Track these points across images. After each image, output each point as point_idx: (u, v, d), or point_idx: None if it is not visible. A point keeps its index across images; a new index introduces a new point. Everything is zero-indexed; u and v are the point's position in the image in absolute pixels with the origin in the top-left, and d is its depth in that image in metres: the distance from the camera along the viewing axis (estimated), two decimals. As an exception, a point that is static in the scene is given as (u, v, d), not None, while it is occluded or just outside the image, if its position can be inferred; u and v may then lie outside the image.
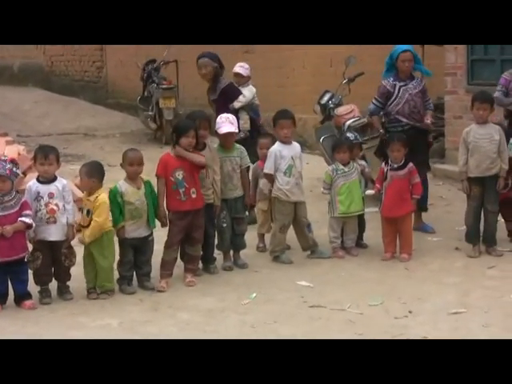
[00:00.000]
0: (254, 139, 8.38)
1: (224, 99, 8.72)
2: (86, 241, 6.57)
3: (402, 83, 8.35)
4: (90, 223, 6.55)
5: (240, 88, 9.08)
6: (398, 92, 8.32)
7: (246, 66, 9.79)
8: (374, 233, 7.80)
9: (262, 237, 7.97)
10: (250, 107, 9.04)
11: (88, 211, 6.58)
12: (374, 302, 6.32)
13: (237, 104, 8.74)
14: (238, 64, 9.89)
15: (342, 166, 7.63)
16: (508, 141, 7.54)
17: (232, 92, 8.83)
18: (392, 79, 8.37)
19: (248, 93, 9.08)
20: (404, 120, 8.29)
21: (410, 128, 8.25)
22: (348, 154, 7.65)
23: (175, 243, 6.94)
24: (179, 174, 6.82)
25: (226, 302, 6.48)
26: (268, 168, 7.49)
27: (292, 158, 7.47)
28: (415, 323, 5.83)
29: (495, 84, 9.09)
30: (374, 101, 8.48)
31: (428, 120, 8.39)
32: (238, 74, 9.57)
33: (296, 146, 7.62)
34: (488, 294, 6.41)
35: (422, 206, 8.21)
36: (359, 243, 7.87)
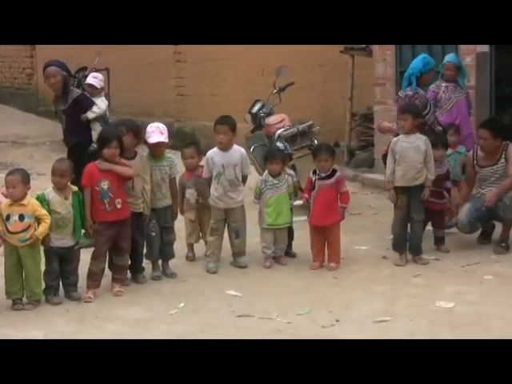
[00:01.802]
0: None
1: (76, 109, 8.52)
2: (37, 237, 6.50)
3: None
4: (27, 227, 6.47)
5: (93, 99, 8.94)
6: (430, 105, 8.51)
7: (100, 77, 9.72)
8: (302, 241, 7.83)
9: (191, 246, 7.96)
10: (103, 119, 8.93)
11: (21, 216, 6.49)
12: (302, 311, 6.34)
13: (91, 114, 8.58)
14: (92, 75, 9.81)
15: (271, 178, 7.62)
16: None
17: (85, 102, 8.65)
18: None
19: (102, 104, 8.97)
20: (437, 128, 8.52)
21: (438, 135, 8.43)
22: (280, 165, 7.64)
23: (102, 253, 6.88)
24: (104, 184, 6.76)
25: (153, 312, 6.44)
26: (204, 172, 7.60)
27: (223, 165, 7.48)
28: (342, 332, 5.86)
29: (423, 95, 9.25)
30: None
31: None
32: (91, 85, 9.45)
33: (235, 153, 7.57)
34: (413, 302, 6.49)
35: None
36: (288, 252, 7.90)
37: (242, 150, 7.69)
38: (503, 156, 7.78)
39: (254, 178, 8.47)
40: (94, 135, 8.36)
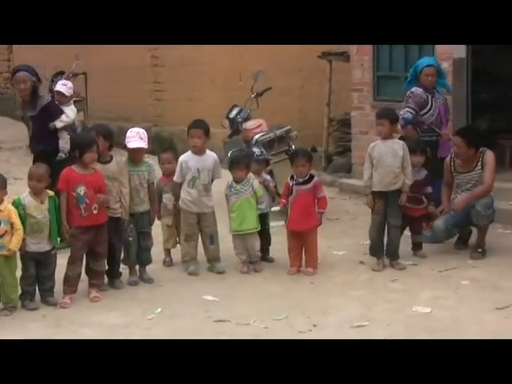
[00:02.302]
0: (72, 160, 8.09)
1: (44, 117, 8.42)
2: (14, 249, 6.47)
3: (430, 94, 8.56)
4: (4, 233, 6.43)
5: (62, 107, 8.85)
6: (431, 103, 8.51)
7: (70, 84, 9.66)
8: (280, 246, 7.83)
9: (168, 252, 7.94)
10: (70, 128, 8.87)
11: None
12: (279, 316, 6.34)
13: (59, 123, 8.47)
14: (61, 82, 9.76)
15: (235, 184, 7.59)
16: None
17: (54, 110, 8.54)
18: (423, 90, 8.55)
19: (71, 113, 8.91)
20: (438, 131, 8.53)
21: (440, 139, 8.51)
22: (245, 171, 7.59)
23: (78, 258, 6.84)
24: (81, 190, 6.72)
25: (130, 318, 6.42)
26: (175, 177, 7.57)
27: (198, 170, 7.48)
28: (319, 337, 5.84)
29: (400, 100, 9.29)
30: (409, 109, 8.49)
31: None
32: (60, 93, 9.40)
33: (208, 157, 7.60)
34: (390, 307, 6.51)
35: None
36: (265, 257, 7.90)
37: (214, 154, 7.71)
38: (480, 163, 7.81)
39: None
40: (62, 144, 8.31)
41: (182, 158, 7.57)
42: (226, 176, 7.77)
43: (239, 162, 7.66)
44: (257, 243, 7.64)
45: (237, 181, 7.59)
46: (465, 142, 7.79)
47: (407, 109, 8.49)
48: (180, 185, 7.58)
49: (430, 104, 8.52)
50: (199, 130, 7.53)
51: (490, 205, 7.77)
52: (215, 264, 7.67)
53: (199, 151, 7.54)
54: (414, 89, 8.56)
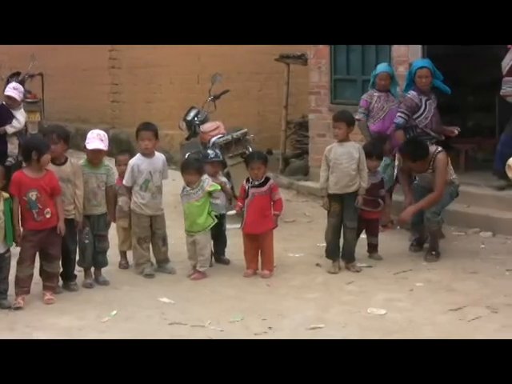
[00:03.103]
0: (20, 165, 7.86)
1: None
2: None
3: (425, 97, 8.60)
4: None
5: (13, 112, 8.74)
6: (425, 106, 8.54)
7: (21, 88, 9.55)
8: (236, 249, 7.84)
9: (123, 254, 7.90)
10: (19, 132, 8.78)
11: None
12: (235, 318, 6.34)
13: (10, 129, 8.40)
14: (12, 86, 9.60)
15: (187, 187, 7.57)
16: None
17: (5, 114, 8.48)
18: (416, 93, 8.58)
19: (21, 118, 8.82)
20: (432, 133, 8.53)
21: (436, 142, 8.46)
22: (195, 175, 7.55)
23: (27, 259, 6.74)
24: (32, 195, 6.63)
25: (85, 320, 6.37)
26: (125, 181, 7.54)
27: (150, 172, 7.49)
28: (274, 339, 5.86)
29: (357, 103, 9.37)
30: (400, 114, 8.61)
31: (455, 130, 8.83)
32: (10, 98, 9.26)
33: (158, 159, 7.62)
34: (346, 309, 6.53)
35: None
36: (221, 259, 7.91)
37: (163, 155, 7.74)
38: (431, 166, 7.84)
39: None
40: (11, 148, 8.21)
41: (132, 161, 7.56)
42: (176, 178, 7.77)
43: (189, 167, 7.65)
44: (206, 248, 7.57)
45: (188, 184, 7.58)
46: (407, 158, 7.92)
47: (399, 113, 8.65)
48: (130, 189, 7.55)
49: (423, 107, 8.59)
50: (150, 132, 7.54)
51: (439, 211, 7.83)
52: (165, 265, 7.70)
53: (150, 153, 7.54)
54: (408, 92, 8.67)
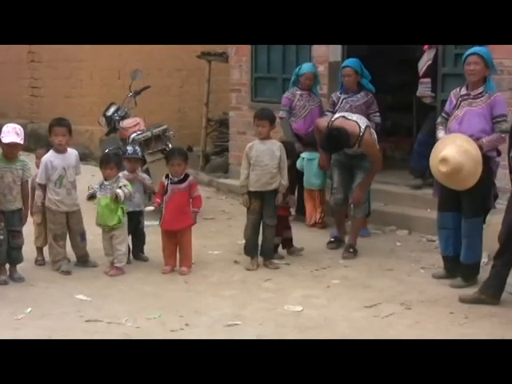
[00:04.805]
0: None
1: None
2: None
3: (346, 95, 8.67)
4: None
5: None
6: (341, 103, 8.63)
7: None
8: (155, 246, 7.81)
9: (40, 250, 7.80)
10: None
11: None
12: (152, 315, 6.31)
13: None
14: None
15: (105, 181, 7.52)
16: None
17: None
18: (340, 91, 8.74)
19: None
20: None
21: None
22: (114, 170, 7.50)
23: None
24: None
25: (-2, 318, 6.27)
26: (39, 178, 7.46)
27: (64, 168, 7.43)
28: (191, 336, 5.85)
29: (277, 101, 9.44)
30: (326, 112, 8.86)
31: None
32: None
33: (71, 154, 7.57)
34: (263, 306, 6.57)
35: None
36: (139, 256, 7.87)
37: (75, 151, 7.69)
38: (358, 145, 7.87)
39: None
40: None
41: (45, 158, 7.48)
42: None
43: (108, 161, 7.60)
44: (123, 243, 7.53)
45: (106, 178, 7.53)
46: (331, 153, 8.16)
47: (326, 112, 8.97)
48: (44, 186, 7.47)
49: (338, 105, 8.70)
50: (63, 128, 7.49)
51: (366, 195, 8.04)
52: (86, 260, 7.67)
53: (64, 149, 7.49)
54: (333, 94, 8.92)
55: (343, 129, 7.74)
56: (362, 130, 7.81)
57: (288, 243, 8.09)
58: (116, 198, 7.33)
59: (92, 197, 7.48)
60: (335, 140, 7.78)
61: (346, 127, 7.75)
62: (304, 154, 9.08)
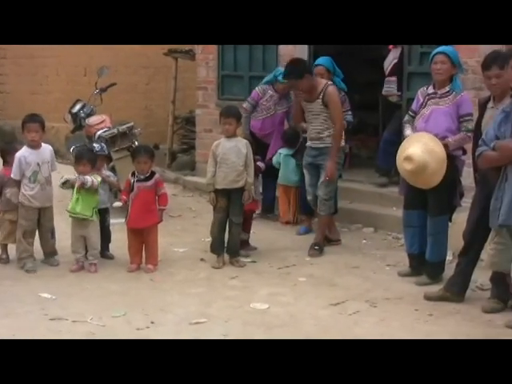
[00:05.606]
0: None
1: None
2: None
3: None
4: None
5: None
6: None
7: None
8: (120, 244, 7.77)
9: (4, 247, 7.73)
10: None
11: None
12: (117, 313, 6.28)
13: None
14: None
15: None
16: None
17: None
18: None
19: None
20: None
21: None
22: (88, 166, 7.47)
23: None
24: None
25: (-39, 317, 6.21)
26: (13, 174, 7.40)
27: (38, 164, 7.36)
28: (156, 334, 5.83)
29: (244, 99, 9.43)
30: None
31: None
32: None
33: (45, 150, 7.51)
34: (229, 304, 6.56)
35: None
36: (105, 254, 7.82)
37: (50, 146, 7.65)
38: (321, 98, 7.88)
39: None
40: None
41: (19, 153, 7.41)
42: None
43: (83, 157, 7.56)
44: (98, 240, 7.54)
45: (82, 175, 7.46)
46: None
47: None
48: (19, 182, 7.40)
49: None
50: (36, 125, 7.41)
51: (331, 193, 8.02)
52: (52, 258, 7.62)
53: (37, 145, 7.42)
54: None
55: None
56: (328, 83, 7.94)
57: (244, 244, 8.10)
58: (82, 185, 7.28)
59: (65, 183, 7.38)
60: (293, 62, 8.01)
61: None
62: (281, 150, 9.10)
